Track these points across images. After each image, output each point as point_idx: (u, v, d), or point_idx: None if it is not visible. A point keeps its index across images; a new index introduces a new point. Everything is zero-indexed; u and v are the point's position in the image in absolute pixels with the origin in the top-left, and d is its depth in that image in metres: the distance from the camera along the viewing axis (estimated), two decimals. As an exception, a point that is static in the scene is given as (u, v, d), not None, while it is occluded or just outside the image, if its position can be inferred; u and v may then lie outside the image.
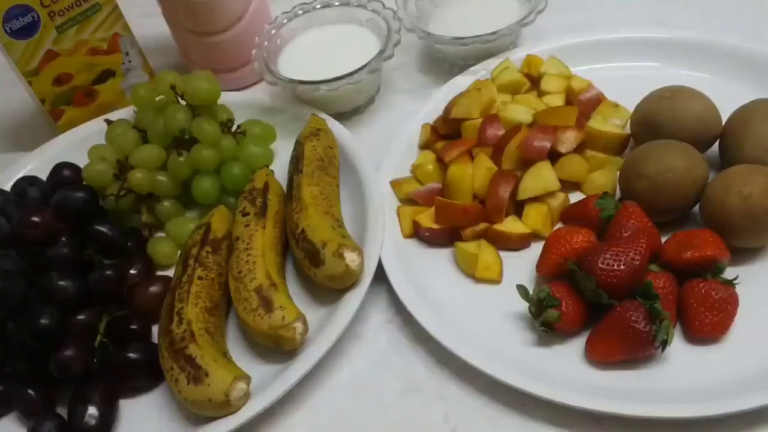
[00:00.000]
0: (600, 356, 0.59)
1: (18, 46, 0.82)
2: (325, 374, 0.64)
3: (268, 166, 0.78)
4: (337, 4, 0.89)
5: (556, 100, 0.78)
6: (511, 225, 0.69)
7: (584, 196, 0.71)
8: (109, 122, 0.83)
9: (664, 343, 0.57)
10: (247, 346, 0.66)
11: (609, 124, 0.74)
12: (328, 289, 0.66)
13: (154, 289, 0.69)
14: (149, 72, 0.93)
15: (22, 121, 0.96)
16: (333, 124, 0.80)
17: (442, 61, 0.90)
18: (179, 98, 0.77)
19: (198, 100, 0.76)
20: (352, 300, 0.64)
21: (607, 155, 0.73)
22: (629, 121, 0.74)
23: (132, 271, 0.71)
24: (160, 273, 0.74)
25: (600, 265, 0.59)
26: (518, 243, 0.69)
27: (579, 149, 0.72)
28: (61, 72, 0.86)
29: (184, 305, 0.63)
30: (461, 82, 0.82)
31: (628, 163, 0.68)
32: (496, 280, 0.67)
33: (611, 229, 0.64)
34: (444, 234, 0.70)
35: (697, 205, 0.66)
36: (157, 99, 0.79)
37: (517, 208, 0.71)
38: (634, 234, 0.62)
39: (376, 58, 0.80)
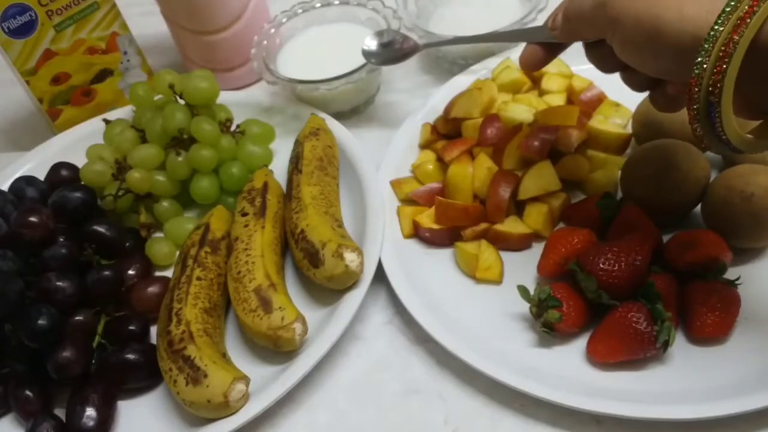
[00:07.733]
0: (601, 357, 0.59)
1: (15, 44, 0.81)
2: (325, 375, 0.64)
3: (267, 166, 0.78)
4: (336, 2, 0.88)
5: (557, 100, 0.77)
6: (511, 225, 0.69)
7: (585, 196, 0.71)
8: (107, 122, 0.83)
9: (666, 344, 0.57)
10: (247, 347, 0.66)
11: (610, 124, 0.74)
12: (328, 290, 0.66)
13: (152, 289, 0.69)
14: (148, 71, 0.92)
15: (20, 121, 0.96)
16: (333, 124, 0.79)
17: (442, 60, 0.90)
18: (178, 98, 0.77)
19: (197, 100, 0.76)
20: (352, 300, 0.64)
21: (608, 155, 0.72)
22: (630, 120, 0.73)
23: (130, 272, 0.71)
24: (158, 273, 0.74)
25: (601, 266, 0.59)
26: (519, 243, 0.69)
27: (580, 149, 0.72)
28: (59, 71, 0.86)
29: (183, 306, 0.63)
30: (461, 81, 0.82)
31: (629, 163, 0.68)
32: (497, 281, 0.67)
33: (612, 229, 0.64)
34: (444, 234, 0.70)
35: (699, 205, 0.66)
36: (155, 98, 0.79)
37: (518, 208, 0.70)
38: (635, 234, 0.61)
39: (376, 57, 0.80)
